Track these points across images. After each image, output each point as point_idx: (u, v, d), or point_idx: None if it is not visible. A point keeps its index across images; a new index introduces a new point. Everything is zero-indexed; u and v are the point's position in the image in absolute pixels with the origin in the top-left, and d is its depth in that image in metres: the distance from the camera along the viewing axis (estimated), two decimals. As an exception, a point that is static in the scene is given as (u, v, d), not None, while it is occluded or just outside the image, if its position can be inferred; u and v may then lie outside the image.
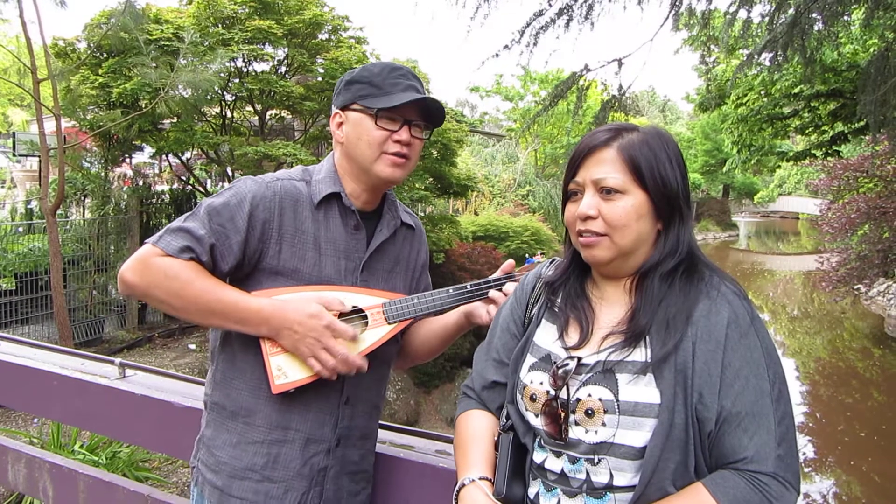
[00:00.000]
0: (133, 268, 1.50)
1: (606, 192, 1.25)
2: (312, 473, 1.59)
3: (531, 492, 1.31)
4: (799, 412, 11.61)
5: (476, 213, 19.39)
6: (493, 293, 1.64)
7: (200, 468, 1.63)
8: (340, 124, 1.64)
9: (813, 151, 18.92)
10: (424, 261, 1.84)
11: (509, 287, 1.63)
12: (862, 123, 13.66)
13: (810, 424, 11.45)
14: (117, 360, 2.37)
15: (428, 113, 1.63)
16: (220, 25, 10.79)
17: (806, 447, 10.21)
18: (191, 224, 1.52)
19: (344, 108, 1.62)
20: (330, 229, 1.62)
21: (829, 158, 17.51)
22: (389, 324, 1.59)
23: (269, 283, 1.57)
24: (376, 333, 1.58)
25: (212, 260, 1.52)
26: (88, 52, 10.42)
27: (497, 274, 1.68)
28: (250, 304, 1.50)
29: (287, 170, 1.69)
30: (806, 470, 9.39)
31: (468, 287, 1.63)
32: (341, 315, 1.55)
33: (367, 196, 1.67)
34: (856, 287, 15.34)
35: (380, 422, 1.83)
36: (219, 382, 1.64)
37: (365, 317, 1.58)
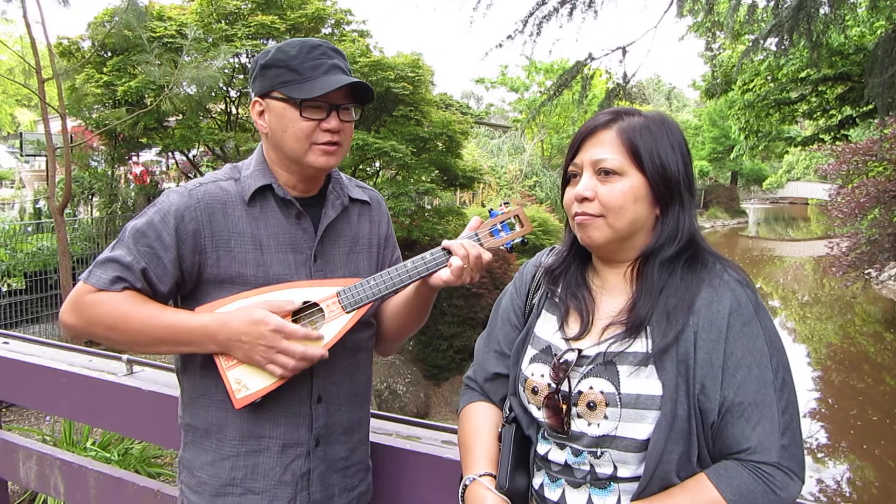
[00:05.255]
0: (68, 309, 1.45)
1: (604, 173, 1.23)
2: (295, 479, 1.54)
3: (535, 482, 1.30)
4: (811, 398, 11.58)
5: (483, 205, 19.36)
6: (452, 258, 1.49)
7: (184, 490, 1.59)
8: (262, 113, 1.52)
9: (821, 136, 18.83)
10: (388, 233, 1.74)
11: (454, 259, 1.48)
12: (870, 107, 13.55)
13: (822, 410, 11.42)
14: (125, 356, 2.38)
15: (356, 92, 1.51)
16: (222, 21, 10.82)
17: (818, 432, 10.19)
18: (117, 252, 1.44)
19: (263, 96, 1.50)
20: (269, 224, 1.52)
21: (837, 143, 17.37)
22: (348, 312, 1.49)
23: (216, 293, 1.49)
24: (336, 325, 1.49)
25: (148, 285, 1.45)
26: (93, 50, 10.48)
27: (465, 233, 1.55)
28: (192, 323, 1.43)
29: (214, 171, 1.59)
30: (819, 455, 9.37)
31: (426, 257, 1.51)
32: (295, 312, 1.47)
33: (303, 184, 1.57)
34: (866, 271, 15.17)
35: (387, 413, 1.80)
36: (187, 403, 1.59)
37: (321, 310, 1.49)
